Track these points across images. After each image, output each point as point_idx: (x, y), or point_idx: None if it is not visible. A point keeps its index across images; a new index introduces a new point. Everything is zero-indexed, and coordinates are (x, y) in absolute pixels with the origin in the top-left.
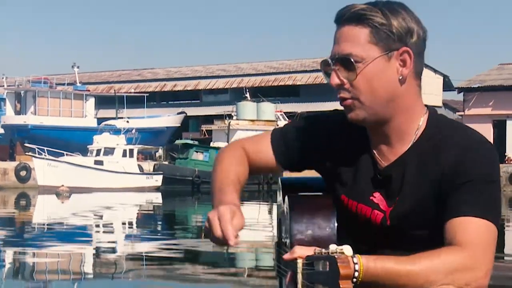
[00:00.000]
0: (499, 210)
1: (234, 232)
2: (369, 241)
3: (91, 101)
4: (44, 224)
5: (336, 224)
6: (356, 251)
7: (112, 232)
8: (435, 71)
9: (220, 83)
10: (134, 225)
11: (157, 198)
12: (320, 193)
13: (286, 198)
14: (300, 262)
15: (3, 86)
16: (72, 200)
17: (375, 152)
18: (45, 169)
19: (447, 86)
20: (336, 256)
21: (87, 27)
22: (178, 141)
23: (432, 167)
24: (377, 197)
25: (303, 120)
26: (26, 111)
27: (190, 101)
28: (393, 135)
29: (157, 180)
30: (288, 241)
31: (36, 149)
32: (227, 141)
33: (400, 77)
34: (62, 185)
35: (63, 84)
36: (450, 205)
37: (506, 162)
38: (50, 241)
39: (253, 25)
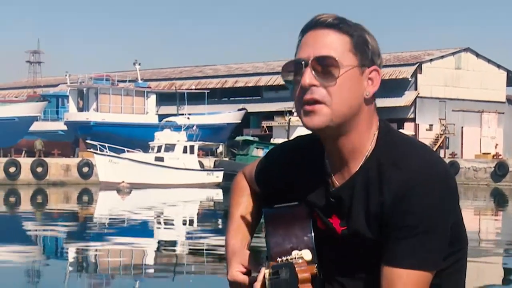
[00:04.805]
0: (437, 256)
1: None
2: (332, 258)
3: (153, 98)
4: (105, 220)
5: (312, 233)
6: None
7: (173, 228)
8: (499, 66)
9: (281, 79)
10: (195, 222)
11: (218, 194)
12: (296, 203)
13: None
14: (267, 273)
15: (66, 83)
16: (133, 196)
17: (331, 173)
18: (107, 166)
19: (511, 81)
20: (294, 262)
21: (148, 24)
22: (238, 138)
23: (376, 194)
24: (334, 219)
25: (269, 152)
26: (88, 108)
27: (251, 98)
28: (347, 152)
29: (218, 176)
30: (267, 254)
31: (98, 145)
32: (287, 138)
33: (367, 94)
34: (123, 181)
35: (125, 81)
36: (386, 248)
37: None
38: (111, 236)
39: None
